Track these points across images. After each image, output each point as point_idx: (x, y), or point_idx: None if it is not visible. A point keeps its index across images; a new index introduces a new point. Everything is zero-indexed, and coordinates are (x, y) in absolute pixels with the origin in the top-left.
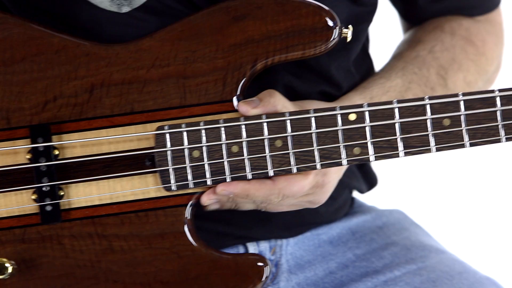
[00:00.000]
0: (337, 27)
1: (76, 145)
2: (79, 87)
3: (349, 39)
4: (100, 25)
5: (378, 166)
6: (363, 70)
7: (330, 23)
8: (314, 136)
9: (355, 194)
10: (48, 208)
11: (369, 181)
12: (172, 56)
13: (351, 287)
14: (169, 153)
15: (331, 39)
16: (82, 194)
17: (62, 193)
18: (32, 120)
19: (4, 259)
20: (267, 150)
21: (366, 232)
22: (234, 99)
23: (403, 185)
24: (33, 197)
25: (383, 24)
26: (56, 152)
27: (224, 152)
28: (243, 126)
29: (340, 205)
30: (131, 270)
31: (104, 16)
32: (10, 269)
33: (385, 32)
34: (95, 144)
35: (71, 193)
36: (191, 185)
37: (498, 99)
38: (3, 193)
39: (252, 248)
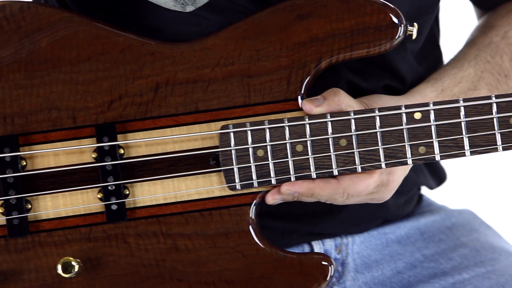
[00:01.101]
0: (402, 25)
1: (141, 144)
2: (144, 86)
3: (414, 36)
4: (165, 25)
5: (447, 163)
6: (429, 62)
7: (395, 20)
8: (379, 135)
9: (425, 190)
10: (114, 207)
11: (438, 177)
12: (236, 55)
13: (419, 287)
14: (233, 152)
15: (396, 37)
16: (147, 193)
17: (127, 192)
18: (98, 119)
19: (71, 258)
20: (331, 149)
21: (435, 233)
22: (298, 97)
23: (473, 183)
24: (99, 196)
25: (457, 12)
26: (122, 151)
27: (289, 151)
28: (308, 125)
29: (407, 199)
30: (196, 269)
31: (168, 15)
32: (76, 268)
33: (459, 20)
34: (159, 143)
35: (136, 192)
36: (255, 184)
37: None
38: (69, 192)
39: (318, 247)
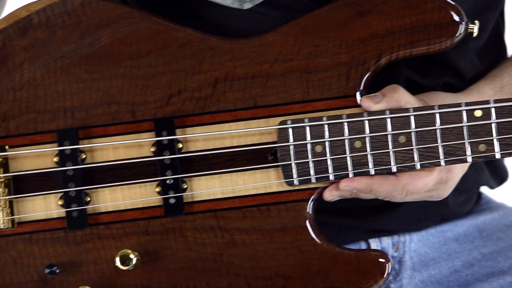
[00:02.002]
0: (463, 23)
1: (199, 138)
2: (203, 81)
3: (475, 34)
4: (223, 22)
5: (508, 160)
6: (490, 59)
7: (456, 18)
8: (438, 132)
9: (484, 189)
10: (172, 200)
11: (499, 176)
12: (295, 51)
13: (476, 286)
14: (291, 147)
15: (457, 34)
16: (204, 187)
17: (185, 186)
18: (157, 113)
19: (129, 251)
20: (390, 146)
21: (494, 231)
22: (357, 94)
23: None
24: (157, 189)
25: None
26: (180, 145)
27: (347, 147)
28: (366, 121)
29: (467, 198)
30: (253, 264)
31: (226, 13)
32: (134, 261)
33: None
34: (217, 138)
35: (194, 186)
36: (313, 180)
37: None
38: (128, 185)
39: (375, 244)
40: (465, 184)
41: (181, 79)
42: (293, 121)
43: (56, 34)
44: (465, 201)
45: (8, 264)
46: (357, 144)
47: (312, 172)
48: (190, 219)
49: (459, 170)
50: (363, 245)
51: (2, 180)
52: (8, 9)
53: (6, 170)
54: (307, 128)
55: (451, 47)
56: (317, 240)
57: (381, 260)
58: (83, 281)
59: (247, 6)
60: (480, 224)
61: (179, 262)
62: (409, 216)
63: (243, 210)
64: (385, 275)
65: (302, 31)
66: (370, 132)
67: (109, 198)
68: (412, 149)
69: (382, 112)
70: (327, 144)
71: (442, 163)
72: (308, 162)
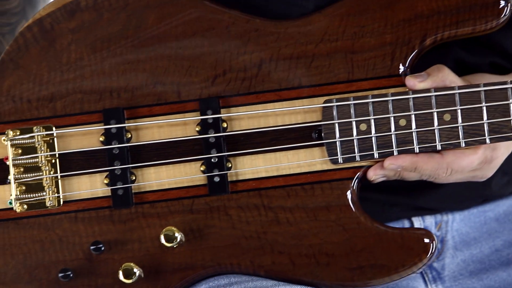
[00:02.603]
0: (509, 4)
1: (244, 117)
2: (248, 61)
3: None
4: (266, 5)
5: None
6: None
7: None
8: (484, 110)
9: None
10: (216, 179)
11: None
12: (340, 31)
13: None
14: (336, 126)
15: (503, 15)
16: (249, 166)
17: (229, 165)
18: (202, 93)
19: (173, 228)
20: (435, 124)
21: None
22: (402, 73)
23: None
24: (202, 168)
25: None
26: (225, 124)
27: (392, 125)
28: (411, 100)
29: (510, 179)
30: (297, 242)
31: None
32: (178, 239)
33: None
34: (262, 117)
35: (238, 165)
36: (357, 158)
37: None
38: (173, 164)
39: (418, 223)
40: (509, 166)
41: (226, 60)
42: (338, 100)
43: (102, 16)
44: (507, 183)
45: (54, 242)
46: (402, 122)
47: (356, 150)
48: (234, 197)
49: (504, 151)
50: (406, 223)
51: (49, 159)
52: None
53: (52, 150)
54: (352, 106)
55: (496, 28)
56: (361, 218)
57: (425, 239)
58: (128, 259)
59: None
60: None
61: (223, 240)
62: (453, 195)
63: (287, 188)
64: (429, 254)
65: (347, 12)
66: (415, 110)
67: (154, 177)
68: (457, 127)
69: (427, 90)
70: (372, 122)
71: (487, 140)
72: (352, 140)
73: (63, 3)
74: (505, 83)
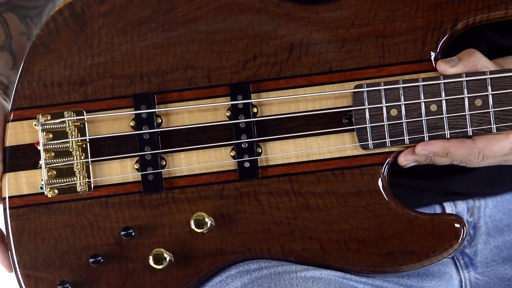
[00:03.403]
0: None
1: (274, 103)
2: (279, 46)
3: None
4: None
5: None
6: None
7: None
8: None
9: None
10: (246, 164)
11: None
12: (371, 16)
13: None
14: (367, 111)
15: None
16: (279, 151)
17: (260, 150)
18: (232, 78)
19: (204, 214)
20: (466, 109)
21: None
22: (433, 58)
23: None
24: (232, 154)
25: None
26: (255, 109)
27: (423, 110)
28: (442, 85)
29: None
30: (327, 228)
31: None
32: (209, 224)
33: None
34: (292, 102)
35: (269, 151)
36: (388, 144)
37: None
38: (203, 150)
39: (449, 209)
40: None
41: (257, 45)
42: (369, 85)
43: (133, 0)
44: None
45: (85, 227)
46: (433, 107)
47: (387, 135)
48: (264, 183)
49: None
50: (438, 209)
51: (80, 144)
52: None
53: (83, 134)
54: (383, 92)
55: None
56: (392, 204)
57: (456, 224)
58: (158, 244)
59: None
60: None
61: (253, 225)
62: (485, 179)
63: (317, 174)
64: (460, 240)
65: None
66: (446, 95)
67: (184, 162)
68: (488, 112)
69: (458, 75)
70: (402, 107)
71: None
72: (383, 125)
73: None
74: None
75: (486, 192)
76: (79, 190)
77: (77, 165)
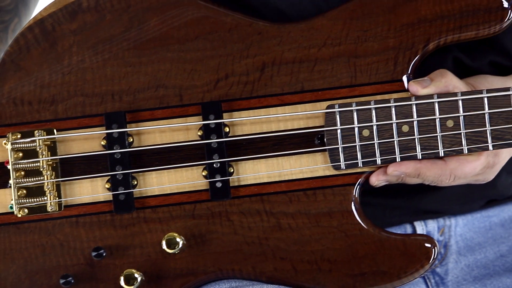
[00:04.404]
0: None
1: (246, 122)
2: (251, 65)
3: None
4: (266, 6)
5: None
6: None
7: (505, 4)
8: (487, 116)
9: None
10: (218, 184)
11: None
12: (343, 35)
13: None
14: (339, 131)
15: (506, 19)
16: (251, 171)
17: (232, 170)
18: (204, 97)
19: (175, 234)
20: (438, 130)
21: None
22: (405, 78)
23: None
24: (204, 173)
25: None
26: (227, 129)
27: (395, 131)
28: (414, 106)
29: None
30: (299, 248)
31: None
32: (180, 244)
33: None
34: (264, 122)
35: (241, 170)
36: (360, 164)
37: None
38: (175, 169)
39: (420, 227)
40: None
41: (229, 63)
42: (341, 105)
43: (105, 18)
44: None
45: (55, 247)
46: (405, 128)
47: (359, 156)
48: (236, 203)
49: (506, 154)
50: (408, 228)
51: (50, 163)
52: None
53: (54, 153)
54: (355, 112)
55: (500, 32)
56: (363, 224)
57: (427, 244)
58: (129, 265)
59: None
60: None
61: (224, 246)
62: (455, 197)
63: (289, 194)
64: (431, 260)
65: (350, 15)
66: (418, 116)
67: (156, 182)
68: (460, 133)
69: (430, 96)
70: (374, 128)
71: (490, 147)
72: (355, 146)
73: (65, 4)
74: (508, 89)
75: (457, 211)
76: (50, 210)
77: (47, 184)
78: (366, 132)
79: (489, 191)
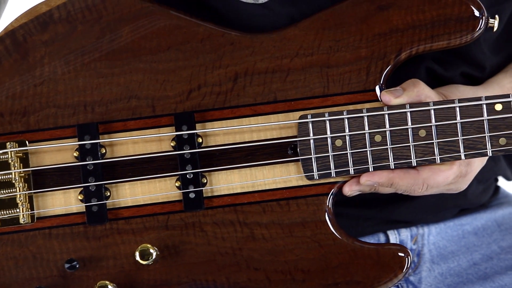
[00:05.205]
0: (484, 17)
1: (219, 133)
2: (223, 75)
3: (495, 29)
4: (239, 17)
5: None
6: (510, 47)
7: (477, 13)
8: (459, 126)
9: (502, 182)
10: (192, 195)
11: None
12: (316, 45)
13: (495, 279)
14: (312, 141)
15: (477, 29)
16: (224, 182)
17: (205, 181)
18: (177, 108)
19: (148, 245)
20: (410, 140)
21: None
22: (377, 88)
23: None
24: (177, 184)
25: None
26: (200, 140)
27: (367, 141)
28: (387, 115)
29: (485, 188)
30: (272, 258)
31: (241, 8)
32: (154, 255)
33: None
34: (237, 133)
35: (214, 181)
36: (333, 174)
37: None
38: (148, 180)
39: (393, 236)
40: (483, 174)
41: (201, 74)
42: (313, 115)
43: (76, 29)
44: (483, 191)
45: (28, 259)
46: (377, 138)
47: (332, 166)
48: (209, 213)
49: (478, 164)
50: (381, 237)
51: (22, 175)
52: (28, 4)
53: (26, 165)
54: (327, 122)
55: (471, 41)
56: (336, 234)
57: (400, 254)
58: (103, 276)
59: (261, 0)
60: (499, 217)
61: (198, 256)
62: (427, 207)
63: (263, 204)
64: (404, 269)
65: (322, 25)
66: (390, 126)
67: (129, 193)
68: (432, 143)
69: (402, 106)
70: (347, 138)
71: (463, 156)
72: (328, 156)
73: (36, 15)
74: (479, 99)
75: (429, 219)
76: (22, 222)
77: (19, 196)
78: (339, 142)
79: (460, 200)
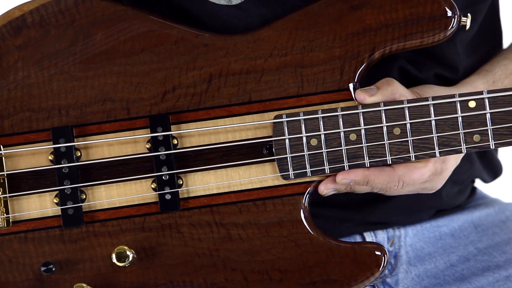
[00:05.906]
0: (456, 16)
1: (194, 134)
2: (198, 77)
3: (468, 27)
4: (212, 18)
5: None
6: (484, 49)
7: (449, 11)
8: (433, 123)
9: (478, 184)
10: (168, 196)
11: (493, 170)
12: (289, 46)
13: (472, 280)
14: (287, 141)
15: (450, 27)
16: (200, 183)
17: (181, 182)
18: (152, 110)
19: (125, 247)
20: (385, 138)
21: (489, 226)
22: (351, 87)
23: None
24: (153, 186)
25: None
26: (175, 141)
27: (342, 140)
28: (361, 114)
29: (461, 189)
30: (249, 258)
31: (214, 9)
32: (130, 257)
33: None
34: (212, 134)
35: (190, 182)
36: (308, 174)
37: None
38: (123, 182)
39: (370, 238)
40: (458, 176)
41: (176, 76)
42: (288, 115)
43: (50, 33)
44: (458, 192)
45: (3, 263)
46: (352, 136)
47: (307, 165)
48: (186, 214)
49: (453, 162)
50: (358, 239)
51: None
52: (1, 9)
53: (0, 169)
54: (302, 122)
55: (444, 40)
56: (313, 233)
57: (377, 252)
58: (79, 279)
59: (235, 1)
60: (476, 219)
61: (175, 258)
62: (403, 208)
63: (239, 205)
64: (381, 267)
65: (296, 26)
66: (365, 125)
67: (105, 195)
68: (407, 141)
69: (376, 104)
70: (322, 137)
71: (437, 154)
72: (303, 155)
73: (9, 19)
74: (452, 96)
75: (406, 221)
76: None
77: None
78: (314, 141)
79: (436, 201)
